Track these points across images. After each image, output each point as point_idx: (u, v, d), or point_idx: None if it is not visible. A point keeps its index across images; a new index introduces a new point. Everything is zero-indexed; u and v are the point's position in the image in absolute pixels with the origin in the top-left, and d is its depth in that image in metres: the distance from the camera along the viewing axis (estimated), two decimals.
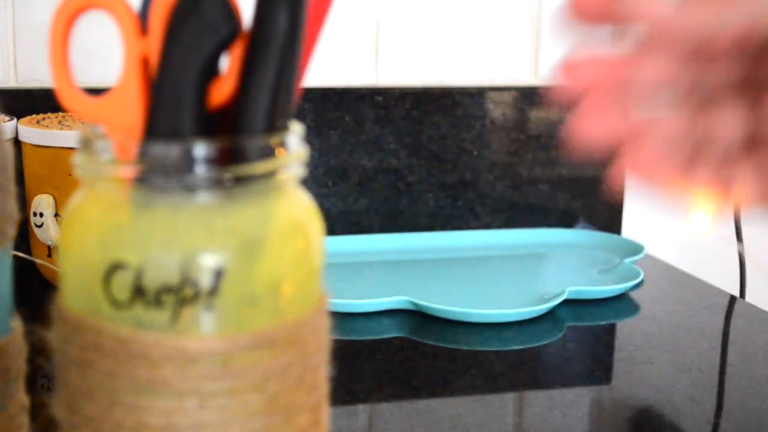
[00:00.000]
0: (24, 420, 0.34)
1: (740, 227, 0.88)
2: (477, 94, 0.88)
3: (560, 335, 0.68)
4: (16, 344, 0.33)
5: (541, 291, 0.74)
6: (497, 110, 0.88)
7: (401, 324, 0.68)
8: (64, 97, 0.30)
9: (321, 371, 0.30)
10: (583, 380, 0.61)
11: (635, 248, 0.84)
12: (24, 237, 0.75)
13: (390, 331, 0.67)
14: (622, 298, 0.75)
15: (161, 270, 0.27)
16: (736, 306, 0.76)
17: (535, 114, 0.90)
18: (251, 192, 0.28)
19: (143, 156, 0.27)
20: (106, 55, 0.81)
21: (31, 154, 0.71)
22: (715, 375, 0.61)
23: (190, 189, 0.27)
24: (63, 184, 0.70)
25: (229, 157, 0.27)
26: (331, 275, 0.88)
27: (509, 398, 0.59)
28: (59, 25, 0.30)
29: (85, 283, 0.28)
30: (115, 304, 0.27)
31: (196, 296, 0.27)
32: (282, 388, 0.29)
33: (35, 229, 0.71)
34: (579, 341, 0.68)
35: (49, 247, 0.71)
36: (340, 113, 0.85)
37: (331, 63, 0.86)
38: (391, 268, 0.80)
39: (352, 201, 0.86)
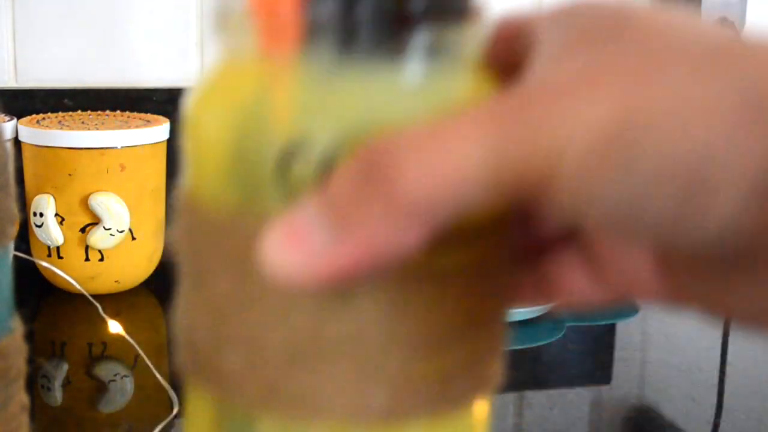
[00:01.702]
0: (24, 420, 0.34)
1: None
2: None
3: (560, 335, 0.68)
4: (16, 344, 0.33)
5: None
6: None
7: None
8: None
9: (506, 274, 0.25)
10: (583, 380, 0.61)
11: None
12: (24, 237, 0.75)
13: None
14: None
15: (342, 150, 0.21)
16: None
17: None
18: (441, 67, 0.23)
19: (311, 17, 0.22)
20: (103, 54, 0.81)
21: (31, 154, 0.71)
22: (715, 375, 0.61)
23: (371, 57, 0.22)
24: (63, 184, 0.70)
25: (417, 18, 0.22)
26: None
27: (509, 398, 0.59)
28: None
29: (241, 173, 0.22)
30: (290, 191, 0.22)
31: None
32: (470, 292, 0.23)
33: (35, 229, 0.71)
34: (579, 341, 0.68)
35: (48, 247, 0.71)
36: None
37: None
38: None
39: None
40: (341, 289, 0.21)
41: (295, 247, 0.20)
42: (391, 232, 0.19)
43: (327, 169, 0.21)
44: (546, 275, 0.26)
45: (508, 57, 0.24)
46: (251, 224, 0.22)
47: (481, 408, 0.24)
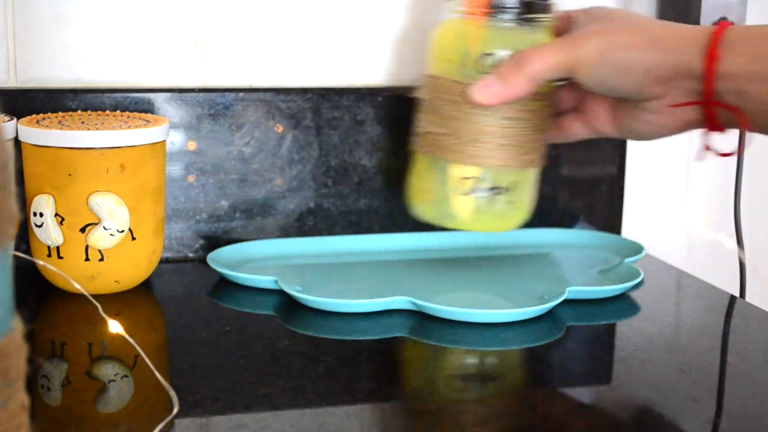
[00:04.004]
0: (24, 420, 0.34)
1: (741, 233, 0.88)
2: None
3: (560, 335, 0.68)
4: (16, 344, 0.33)
5: (541, 291, 0.74)
6: None
7: (401, 324, 0.68)
8: None
9: None
10: (583, 380, 0.61)
11: (635, 248, 0.84)
12: (24, 237, 0.75)
13: (390, 331, 0.67)
14: (622, 298, 0.76)
15: (503, 56, 0.69)
16: (736, 306, 0.76)
17: None
18: (539, 28, 0.70)
19: (494, 5, 0.70)
20: (107, 53, 0.81)
21: (31, 154, 0.71)
22: (715, 375, 0.61)
23: (517, 21, 0.70)
24: (63, 184, 0.70)
25: (534, 9, 0.70)
26: (331, 275, 0.88)
27: (509, 398, 0.59)
28: None
29: (459, 62, 0.70)
30: (481, 72, 0.69)
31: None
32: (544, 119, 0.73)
33: (35, 229, 0.71)
34: (579, 341, 0.68)
35: (49, 247, 0.71)
36: (340, 113, 0.85)
37: (331, 63, 0.86)
38: (391, 268, 0.80)
39: (352, 201, 0.86)
40: (498, 107, 0.69)
41: (483, 90, 0.68)
42: (521, 86, 0.66)
43: (498, 63, 0.69)
44: (561, 123, 0.74)
45: (561, 27, 0.70)
46: (463, 85, 0.70)
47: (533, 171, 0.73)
